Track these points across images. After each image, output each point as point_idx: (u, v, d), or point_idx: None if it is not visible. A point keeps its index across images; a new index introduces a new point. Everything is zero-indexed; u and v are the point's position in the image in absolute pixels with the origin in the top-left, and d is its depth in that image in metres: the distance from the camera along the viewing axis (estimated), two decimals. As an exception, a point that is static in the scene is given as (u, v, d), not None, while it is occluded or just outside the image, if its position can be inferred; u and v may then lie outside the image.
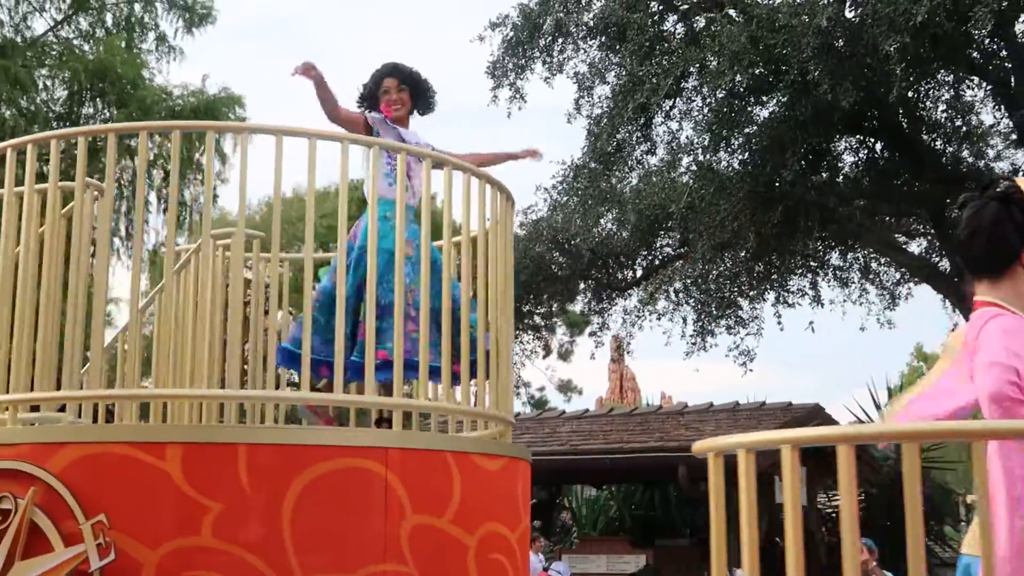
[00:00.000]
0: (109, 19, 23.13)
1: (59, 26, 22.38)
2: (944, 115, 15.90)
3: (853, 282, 18.32)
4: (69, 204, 4.94)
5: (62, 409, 5.07)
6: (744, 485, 2.25)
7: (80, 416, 5.36)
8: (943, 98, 15.92)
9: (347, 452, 4.35)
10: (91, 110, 22.11)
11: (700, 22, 15.74)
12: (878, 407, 19.63)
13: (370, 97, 6.00)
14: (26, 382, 4.58)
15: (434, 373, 4.98)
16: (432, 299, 4.83)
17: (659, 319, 18.39)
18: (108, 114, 21.58)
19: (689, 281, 17.84)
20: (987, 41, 14.99)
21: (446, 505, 4.55)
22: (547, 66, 16.45)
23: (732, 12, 15.02)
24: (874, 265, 18.37)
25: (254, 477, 4.16)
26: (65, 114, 21.76)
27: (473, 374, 5.00)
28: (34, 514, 4.10)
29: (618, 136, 15.54)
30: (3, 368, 4.66)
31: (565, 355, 35.18)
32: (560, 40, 16.34)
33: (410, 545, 4.36)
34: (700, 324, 17.66)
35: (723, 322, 17.70)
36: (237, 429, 4.73)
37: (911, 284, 18.37)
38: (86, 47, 22.49)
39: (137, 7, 23.49)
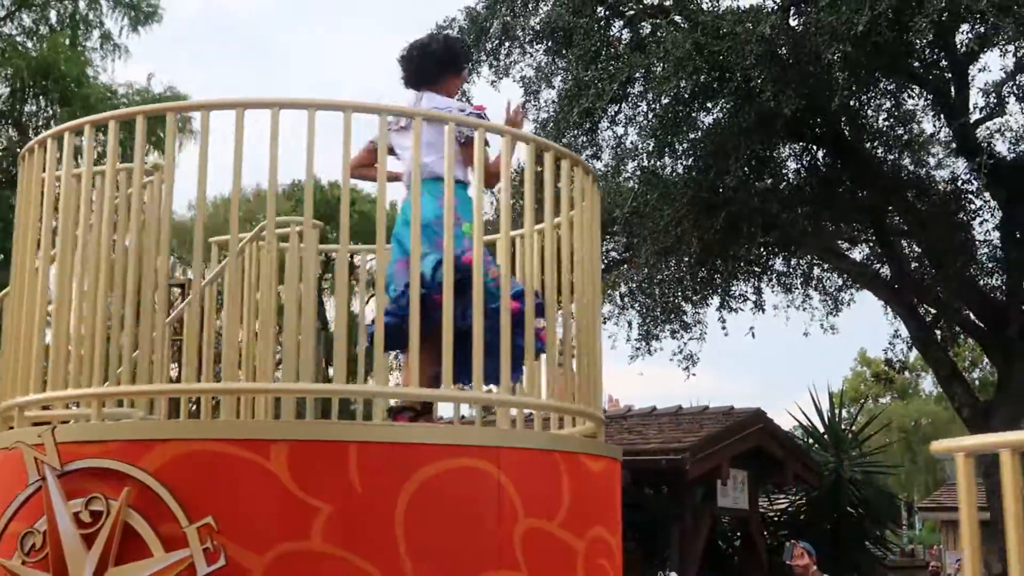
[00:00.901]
0: (53, 16, 22.92)
1: (2, 23, 22.12)
2: (885, 123, 16.07)
3: (796, 288, 18.48)
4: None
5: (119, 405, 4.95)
6: (1008, 485, 2.32)
7: (152, 412, 5.20)
8: (884, 107, 16.09)
9: (460, 451, 4.10)
10: (34, 107, 21.88)
11: (646, 28, 15.81)
12: (820, 413, 19.81)
13: (452, 63, 5.46)
14: (99, 375, 4.31)
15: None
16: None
17: (604, 323, 18.45)
18: (51, 112, 21.36)
19: (634, 285, 17.91)
20: (927, 51, 15.17)
21: (557, 508, 4.33)
22: (493, 69, 16.46)
23: (677, 19, 15.11)
24: (817, 271, 18.53)
25: (366, 477, 3.90)
26: (7, 111, 21.52)
27: (519, 362, 4.64)
28: (129, 516, 3.80)
29: (563, 140, 15.58)
30: (77, 361, 4.40)
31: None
32: (507, 44, 16.35)
33: (523, 550, 4.14)
34: (645, 328, 17.74)
35: (667, 326, 17.78)
36: (346, 426, 4.39)
37: (853, 290, 18.56)
38: (29, 44, 22.25)
39: (82, 4, 23.30)
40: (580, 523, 4.41)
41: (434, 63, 5.35)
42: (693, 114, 15.13)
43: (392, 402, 4.89)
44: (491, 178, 5.09)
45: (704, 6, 14.96)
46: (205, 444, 3.91)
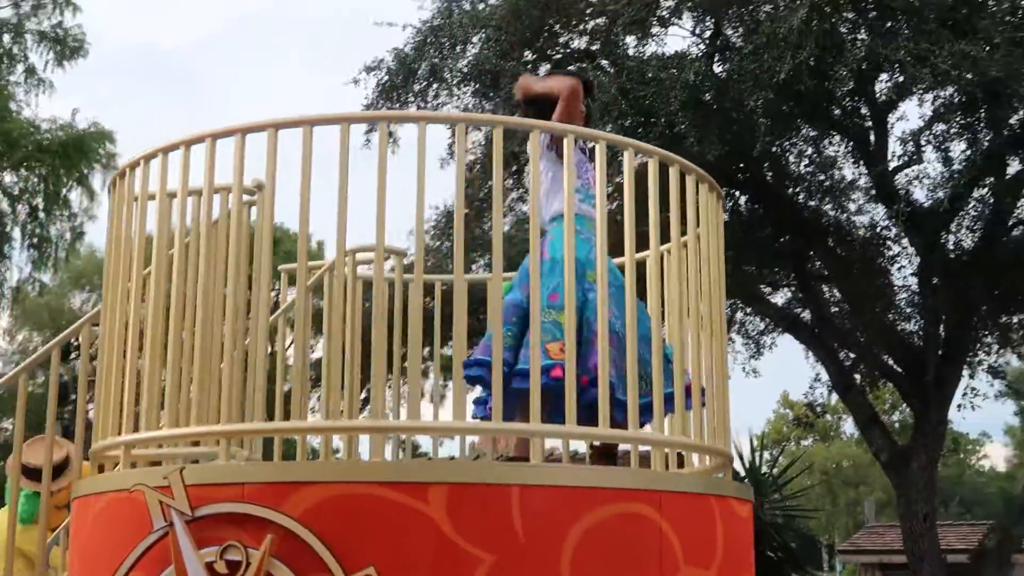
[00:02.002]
0: (-25, 51, 22.65)
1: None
2: (807, 169, 16.35)
3: (719, 331, 18.63)
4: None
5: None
6: None
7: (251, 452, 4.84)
8: (806, 153, 16.38)
9: (623, 496, 3.79)
10: (-47, 142, 21.57)
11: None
12: (740, 456, 19.92)
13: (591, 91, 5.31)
14: (224, 412, 4.00)
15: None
16: (615, 322, 4.32)
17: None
18: (-30, 147, 21.08)
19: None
20: (847, 99, 15.48)
21: (713, 555, 4.10)
22: (421, 111, 16.50)
23: (604, 63, 15.28)
24: (739, 315, 18.72)
25: (530, 524, 3.60)
26: (-74, 145, 21.19)
27: (669, 408, 4.37)
28: (273, 567, 3.49)
29: (490, 182, 15.64)
30: (176, 396, 4.12)
31: (443, 399, 35.00)
32: (435, 85, 16.42)
33: (682, 600, 3.91)
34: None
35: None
36: (509, 468, 3.99)
37: (775, 334, 18.77)
38: (-50, 79, 21.97)
39: (6, 38, 23.02)
40: (732, 571, 4.23)
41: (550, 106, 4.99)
42: (618, 158, 15.25)
43: (503, 452, 4.78)
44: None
45: (630, 52, 15.15)
46: (356, 487, 3.58)
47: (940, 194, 16.09)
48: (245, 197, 4.25)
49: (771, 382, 64.93)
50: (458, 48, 16.01)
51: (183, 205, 4.18)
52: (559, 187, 4.63)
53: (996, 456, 61.25)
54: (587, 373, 4.17)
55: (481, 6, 15.81)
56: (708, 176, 4.56)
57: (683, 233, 4.52)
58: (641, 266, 5.08)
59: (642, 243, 4.41)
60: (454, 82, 16.40)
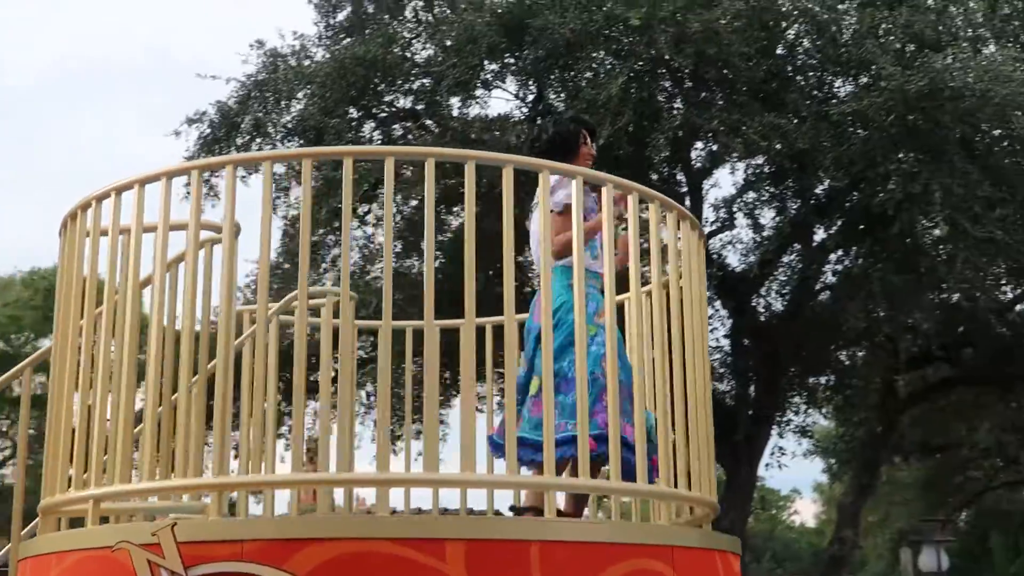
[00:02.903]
0: None
1: None
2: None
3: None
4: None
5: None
6: None
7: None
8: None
9: (639, 551, 3.71)
10: None
11: (397, 131, 16.04)
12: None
13: (563, 146, 5.09)
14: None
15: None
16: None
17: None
18: None
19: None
20: (664, 166, 15.94)
21: None
22: (243, 165, 16.29)
23: (428, 123, 15.41)
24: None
25: None
26: None
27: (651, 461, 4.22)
28: None
29: (313, 238, 15.55)
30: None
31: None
32: (258, 140, 16.25)
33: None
34: (391, 428, 17.67)
35: (414, 427, 17.76)
36: (528, 523, 3.90)
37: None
38: None
39: None
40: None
41: (551, 154, 4.90)
42: (442, 216, 15.37)
43: (513, 501, 4.63)
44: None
45: (454, 113, 15.32)
46: (369, 544, 3.36)
47: (751, 259, 16.66)
48: (210, 234, 4.13)
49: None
50: (282, 103, 15.91)
51: (137, 243, 3.92)
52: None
53: (806, 512, 63.34)
54: (596, 429, 4.19)
55: (306, 62, 15.77)
56: (688, 212, 4.49)
57: (664, 273, 4.51)
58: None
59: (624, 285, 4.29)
60: (278, 137, 16.26)
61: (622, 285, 4.21)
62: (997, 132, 13.77)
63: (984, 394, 20.94)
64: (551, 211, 4.36)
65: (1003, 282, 17.56)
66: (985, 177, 13.17)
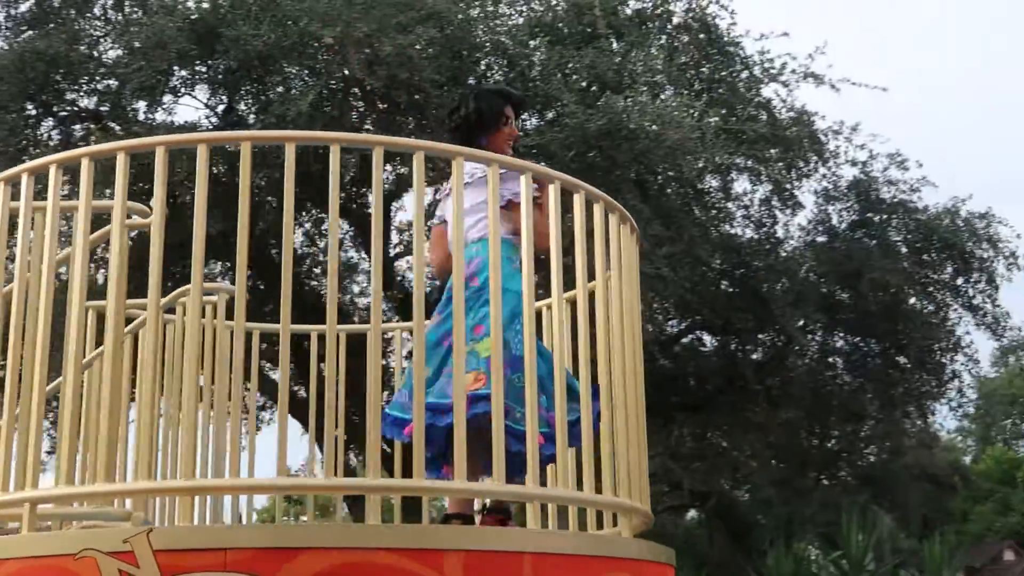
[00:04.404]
0: None
1: None
2: (311, 249, 16.72)
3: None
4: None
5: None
6: None
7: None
8: (313, 233, 16.76)
9: (619, 565, 3.69)
10: None
11: (78, 131, 15.42)
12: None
13: (480, 124, 4.83)
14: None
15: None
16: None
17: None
18: None
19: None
20: (353, 186, 16.02)
21: None
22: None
23: (113, 125, 14.88)
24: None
25: None
26: None
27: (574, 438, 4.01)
28: None
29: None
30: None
31: None
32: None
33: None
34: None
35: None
36: (522, 533, 3.76)
37: (271, 411, 18.87)
38: None
39: None
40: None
41: (468, 130, 4.83)
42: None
43: (477, 503, 4.41)
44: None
45: (140, 117, 14.85)
46: (363, 554, 3.18)
47: (437, 283, 16.89)
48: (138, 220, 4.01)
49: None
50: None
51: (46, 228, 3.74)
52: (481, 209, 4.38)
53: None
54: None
55: (-17, 53, 14.95)
56: (625, 211, 4.41)
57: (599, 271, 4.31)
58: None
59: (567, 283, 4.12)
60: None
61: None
62: (670, 174, 14.58)
63: (648, 422, 22.01)
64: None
65: (670, 316, 18.61)
66: (656, 216, 13.90)
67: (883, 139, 26.75)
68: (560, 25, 15.45)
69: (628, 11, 16.14)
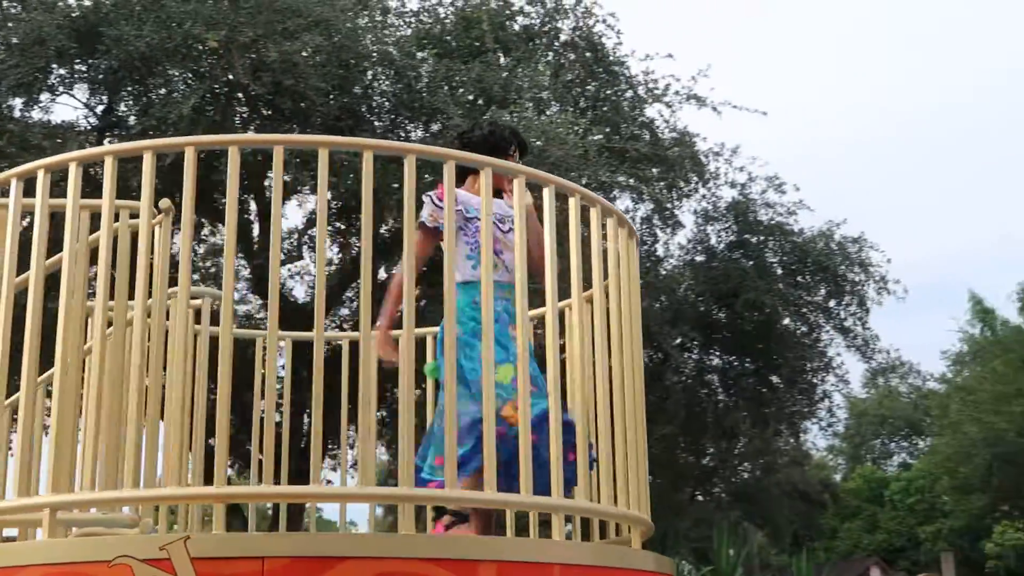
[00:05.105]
0: None
1: None
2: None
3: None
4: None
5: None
6: None
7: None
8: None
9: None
10: None
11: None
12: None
13: (493, 149, 4.82)
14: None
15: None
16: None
17: None
18: None
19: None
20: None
21: None
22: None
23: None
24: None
25: None
26: None
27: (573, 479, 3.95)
28: None
29: None
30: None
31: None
32: None
33: None
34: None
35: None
36: (554, 545, 3.65)
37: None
38: None
39: None
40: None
41: (474, 146, 4.86)
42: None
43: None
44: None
45: (15, 115, 14.48)
46: (401, 564, 3.16)
47: (314, 291, 16.76)
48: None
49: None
50: None
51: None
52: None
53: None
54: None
55: None
56: (623, 214, 4.35)
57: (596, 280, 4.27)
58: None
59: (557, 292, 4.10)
60: None
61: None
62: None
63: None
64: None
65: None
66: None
67: (762, 162, 27.27)
68: (448, 38, 15.51)
69: (516, 27, 16.26)
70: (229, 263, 3.64)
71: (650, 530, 4.30)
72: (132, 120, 14.34)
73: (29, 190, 3.85)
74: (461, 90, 14.45)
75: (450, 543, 3.60)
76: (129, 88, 14.50)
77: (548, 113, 15.07)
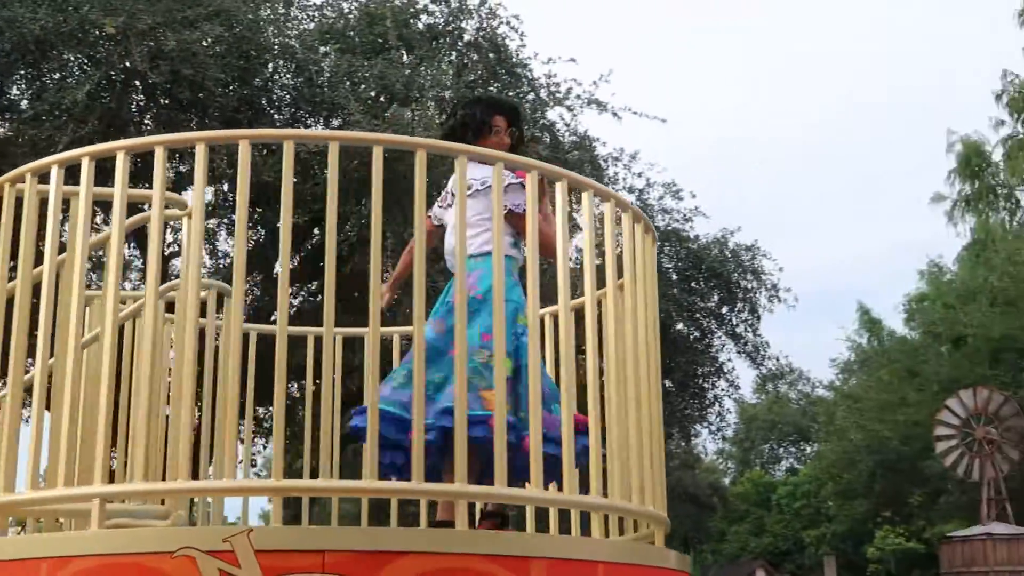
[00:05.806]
0: None
1: None
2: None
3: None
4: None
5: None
6: None
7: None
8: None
9: None
10: None
11: None
12: None
13: (464, 132, 4.80)
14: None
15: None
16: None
17: None
18: None
19: None
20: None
21: None
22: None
23: None
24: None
25: None
26: None
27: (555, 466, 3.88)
28: None
29: None
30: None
31: None
32: None
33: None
34: None
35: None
36: (599, 543, 3.73)
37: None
38: None
39: None
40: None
41: (454, 139, 4.72)
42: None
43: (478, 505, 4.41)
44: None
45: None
46: (456, 559, 3.19)
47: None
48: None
49: None
50: None
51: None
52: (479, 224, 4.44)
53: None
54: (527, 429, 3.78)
55: None
56: (643, 214, 4.33)
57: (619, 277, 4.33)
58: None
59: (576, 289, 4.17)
60: None
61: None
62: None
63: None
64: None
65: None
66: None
67: (660, 168, 27.59)
68: (351, 34, 15.44)
69: (420, 25, 16.24)
70: (240, 259, 3.66)
71: (668, 529, 4.34)
72: (24, 104, 14.05)
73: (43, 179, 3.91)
74: (363, 86, 14.40)
75: (505, 539, 3.61)
76: (22, 71, 14.18)
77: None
